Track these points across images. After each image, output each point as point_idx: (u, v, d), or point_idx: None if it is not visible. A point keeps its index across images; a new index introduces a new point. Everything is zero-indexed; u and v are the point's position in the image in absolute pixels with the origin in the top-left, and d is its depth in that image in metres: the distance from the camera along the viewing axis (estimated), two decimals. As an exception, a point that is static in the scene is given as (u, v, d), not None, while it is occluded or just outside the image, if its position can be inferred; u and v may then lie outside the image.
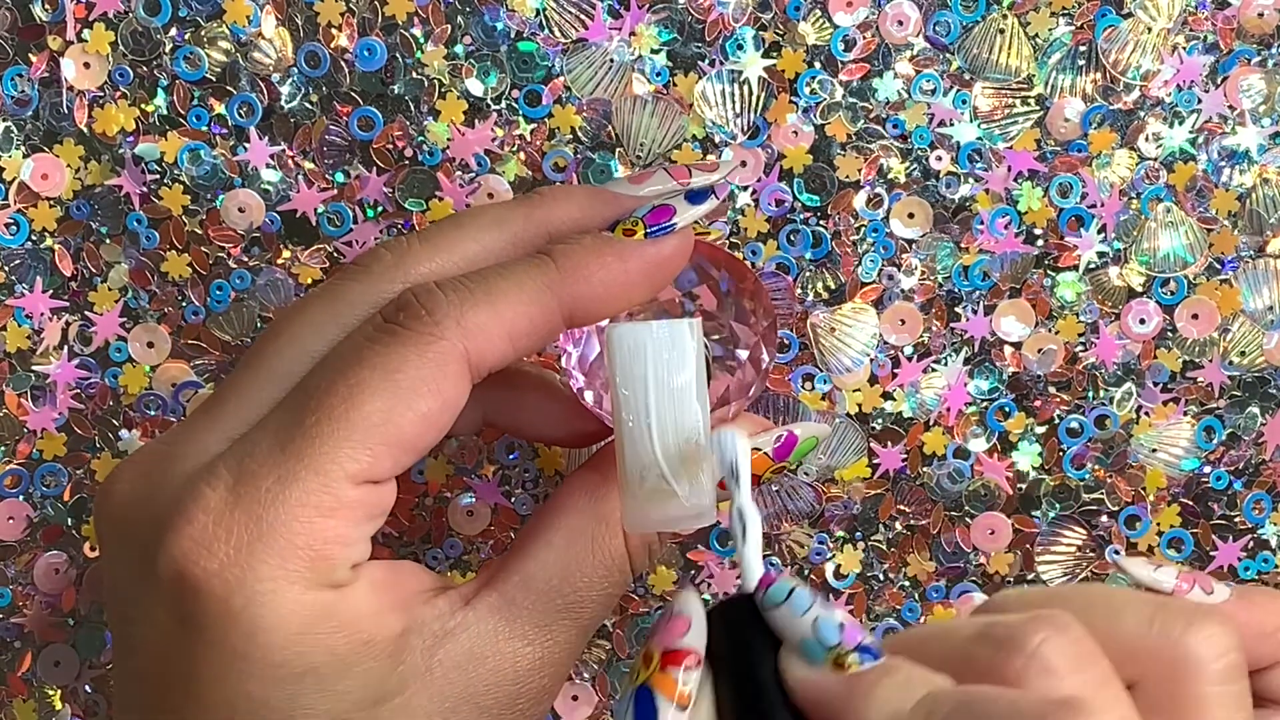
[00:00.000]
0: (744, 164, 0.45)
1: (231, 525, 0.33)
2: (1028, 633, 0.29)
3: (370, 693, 0.34)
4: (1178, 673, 0.30)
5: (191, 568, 0.33)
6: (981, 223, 0.45)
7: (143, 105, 0.44)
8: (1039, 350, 0.46)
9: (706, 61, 0.44)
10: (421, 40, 0.44)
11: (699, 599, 0.32)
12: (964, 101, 0.45)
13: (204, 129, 0.44)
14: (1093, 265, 0.45)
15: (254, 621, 0.33)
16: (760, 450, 0.39)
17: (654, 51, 0.44)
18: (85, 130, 0.44)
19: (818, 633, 0.30)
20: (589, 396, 0.40)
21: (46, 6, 0.44)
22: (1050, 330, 0.45)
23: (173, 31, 0.44)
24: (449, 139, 0.44)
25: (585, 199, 0.39)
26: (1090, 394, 0.46)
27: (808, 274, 0.45)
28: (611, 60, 0.44)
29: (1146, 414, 0.46)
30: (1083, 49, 0.45)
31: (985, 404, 0.46)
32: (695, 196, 0.38)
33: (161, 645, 0.34)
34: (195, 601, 0.33)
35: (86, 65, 0.44)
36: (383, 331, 0.35)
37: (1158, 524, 0.46)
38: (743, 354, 0.40)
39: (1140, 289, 0.45)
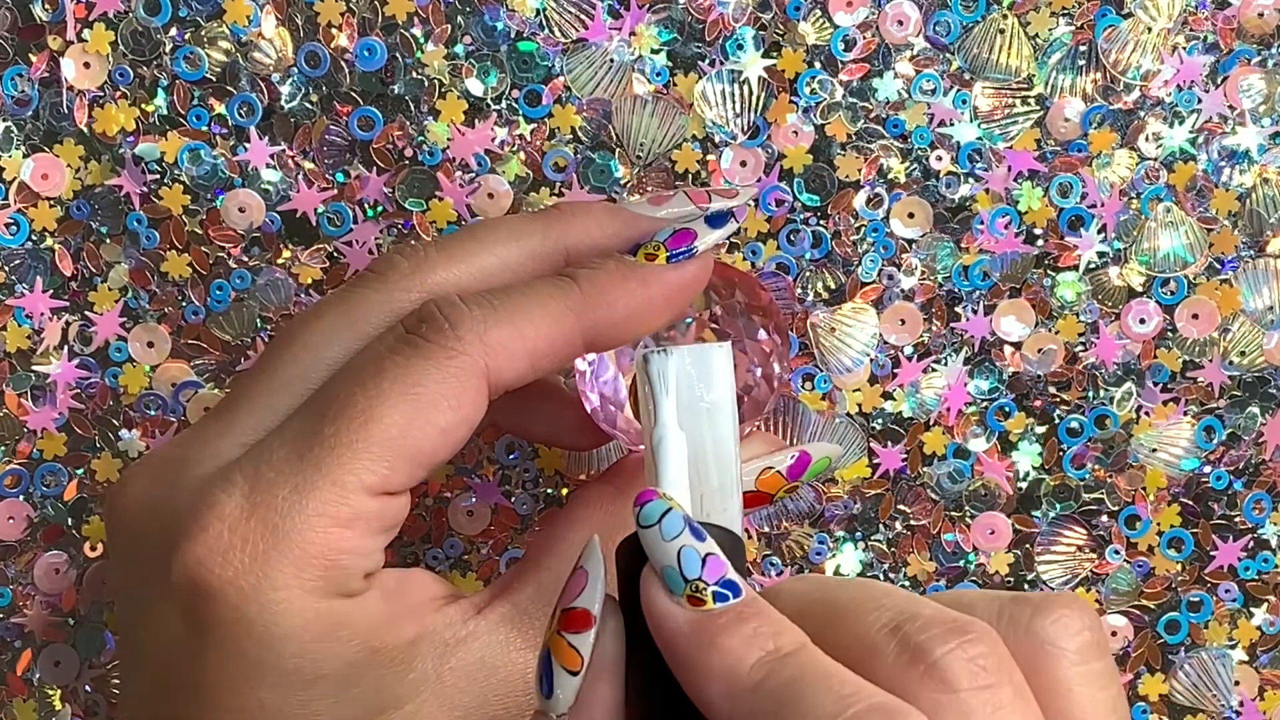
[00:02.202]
0: (744, 164, 0.45)
1: (247, 534, 0.33)
2: (939, 638, 0.28)
3: (381, 699, 0.34)
4: (1036, 662, 0.29)
5: (206, 575, 0.33)
6: (981, 223, 0.45)
7: (143, 105, 0.44)
8: (1039, 350, 0.46)
9: (706, 61, 0.44)
10: (421, 40, 0.44)
11: (598, 550, 0.31)
12: (964, 101, 0.45)
13: (204, 129, 0.44)
14: (1093, 265, 0.45)
15: (268, 629, 0.33)
16: (774, 469, 0.39)
17: (654, 51, 0.44)
18: (85, 130, 0.44)
19: (680, 562, 0.29)
20: (601, 416, 0.40)
21: (46, 6, 0.44)
22: (1050, 330, 0.45)
23: (173, 31, 0.44)
24: (449, 139, 0.44)
25: (604, 217, 0.38)
26: (1090, 394, 0.46)
27: (808, 274, 0.45)
28: (611, 60, 0.44)
29: (1146, 414, 0.46)
30: (1083, 49, 0.45)
31: (985, 404, 0.46)
32: (715, 220, 0.38)
33: (172, 651, 0.34)
34: (209, 609, 0.33)
35: (86, 65, 0.44)
36: (404, 343, 0.35)
37: (1158, 524, 0.46)
38: (756, 371, 0.40)
39: (1140, 289, 0.45)
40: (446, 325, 0.35)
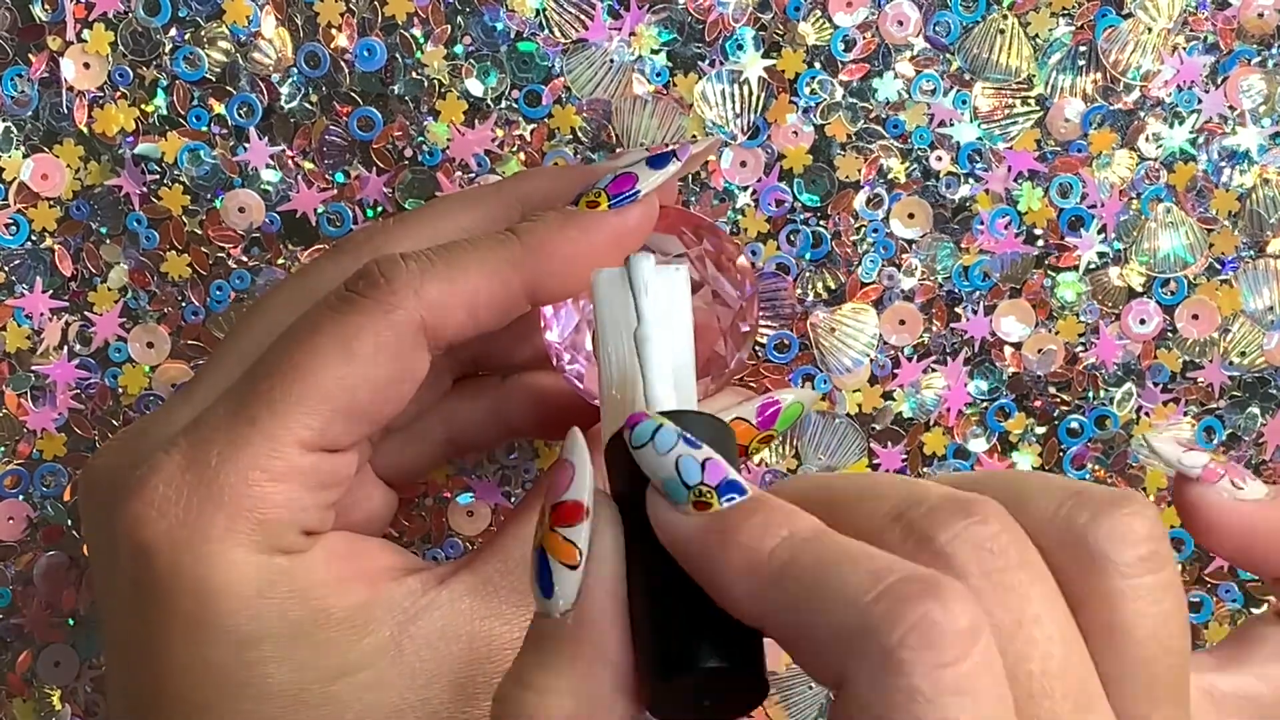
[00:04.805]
0: (744, 164, 0.45)
1: (182, 487, 0.34)
2: (944, 522, 0.26)
3: (332, 664, 0.34)
4: (1086, 565, 0.27)
5: (143, 530, 0.34)
6: (981, 223, 0.45)
7: (143, 105, 0.44)
8: (1039, 350, 0.46)
9: (706, 61, 0.44)
10: (421, 40, 0.44)
11: (581, 440, 0.29)
12: (964, 101, 0.45)
13: (204, 129, 0.44)
14: (1093, 265, 0.45)
15: (202, 583, 0.33)
16: (744, 420, 0.38)
17: (654, 51, 0.44)
18: (85, 130, 0.44)
19: (680, 471, 0.28)
20: (571, 370, 0.39)
21: (46, 6, 0.44)
22: (1050, 330, 0.45)
23: (173, 31, 0.44)
24: (449, 139, 0.44)
25: (557, 176, 0.39)
26: (1090, 394, 0.46)
27: (808, 274, 0.45)
28: (611, 60, 0.44)
29: (1146, 414, 0.46)
30: (1083, 49, 0.45)
31: (985, 404, 0.46)
32: (656, 161, 0.38)
33: (122, 615, 0.35)
34: (147, 564, 0.34)
35: (86, 65, 0.44)
36: (342, 300, 0.35)
37: (1158, 524, 0.46)
38: (723, 321, 0.40)
39: (1140, 289, 0.45)
40: (382, 280, 0.35)
